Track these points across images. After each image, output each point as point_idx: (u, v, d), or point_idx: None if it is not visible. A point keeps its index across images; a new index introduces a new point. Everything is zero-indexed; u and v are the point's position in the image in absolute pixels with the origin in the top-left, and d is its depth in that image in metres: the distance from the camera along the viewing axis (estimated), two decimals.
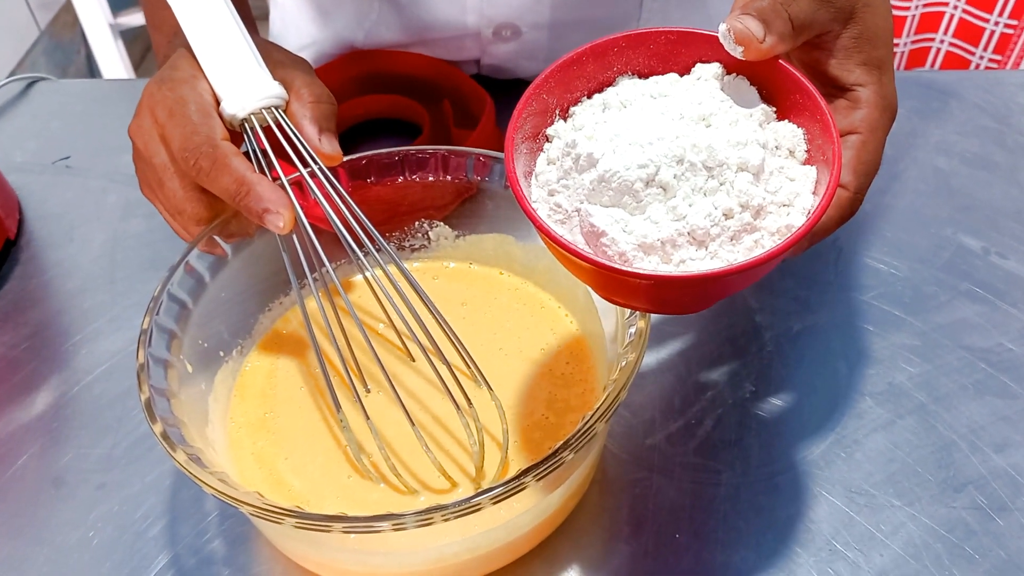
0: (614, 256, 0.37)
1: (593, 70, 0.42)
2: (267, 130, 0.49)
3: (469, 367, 0.48)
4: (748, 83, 0.41)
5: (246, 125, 0.49)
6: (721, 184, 0.37)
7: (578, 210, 0.39)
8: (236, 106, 0.48)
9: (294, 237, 0.48)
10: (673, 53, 0.41)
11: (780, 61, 0.40)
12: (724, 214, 0.36)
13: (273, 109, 0.49)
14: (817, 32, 0.41)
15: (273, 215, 0.46)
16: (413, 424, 0.46)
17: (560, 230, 0.39)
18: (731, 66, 0.41)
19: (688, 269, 0.37)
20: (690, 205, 0.37)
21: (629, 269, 0.37)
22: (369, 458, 0.48)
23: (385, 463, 0.47)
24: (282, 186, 0.48)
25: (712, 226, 0.36)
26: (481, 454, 0.47)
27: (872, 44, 0.42)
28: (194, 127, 0.47)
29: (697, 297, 0.40)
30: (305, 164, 0.48)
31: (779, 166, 0.38)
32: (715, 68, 0.40)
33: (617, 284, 0.39)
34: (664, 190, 0.37)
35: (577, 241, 0.39)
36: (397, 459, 0.48)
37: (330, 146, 0.50)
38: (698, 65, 0.41)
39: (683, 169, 0.37)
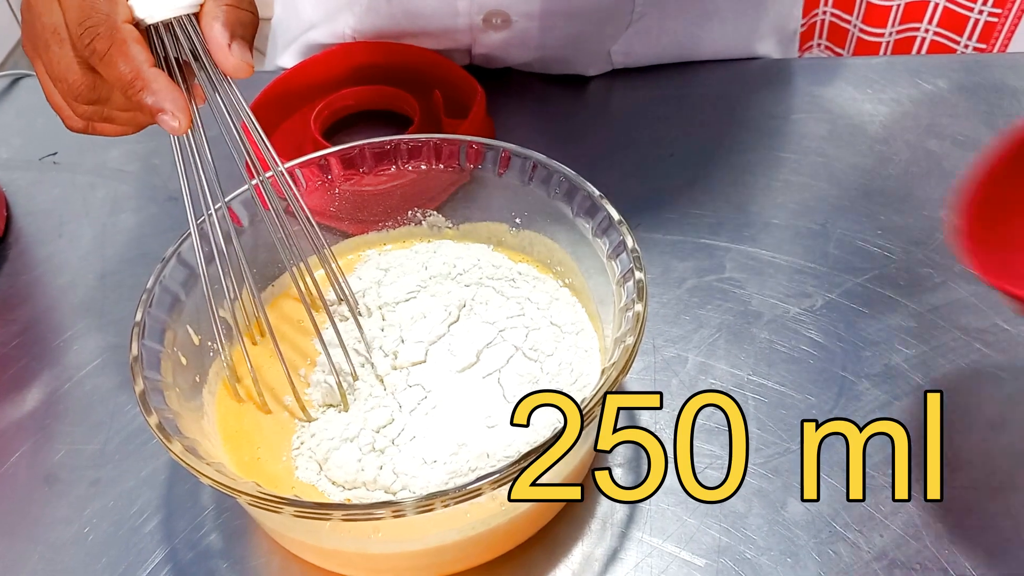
0: None
1: None
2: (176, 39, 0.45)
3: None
4: None
5: (152, 31, 0.44)
6: None
7: None
8: (144, 9, 0.43)
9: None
10: None
11: None
12: None
13: (192, 16, 0.44)
14: None
15: (168, 116, 0.43)
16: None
17: None
18: None
19: None
20: None
21: None
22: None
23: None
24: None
25: None
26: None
27: None
28: (94, 2, 0.42)
29: None
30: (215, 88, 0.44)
31: None
32: None
33: None
34: None
35: None
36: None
37: (241, 55, 0.44)
38: None
39: None
